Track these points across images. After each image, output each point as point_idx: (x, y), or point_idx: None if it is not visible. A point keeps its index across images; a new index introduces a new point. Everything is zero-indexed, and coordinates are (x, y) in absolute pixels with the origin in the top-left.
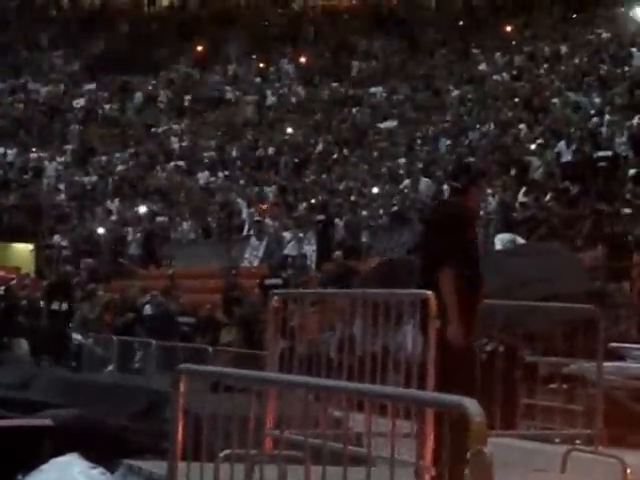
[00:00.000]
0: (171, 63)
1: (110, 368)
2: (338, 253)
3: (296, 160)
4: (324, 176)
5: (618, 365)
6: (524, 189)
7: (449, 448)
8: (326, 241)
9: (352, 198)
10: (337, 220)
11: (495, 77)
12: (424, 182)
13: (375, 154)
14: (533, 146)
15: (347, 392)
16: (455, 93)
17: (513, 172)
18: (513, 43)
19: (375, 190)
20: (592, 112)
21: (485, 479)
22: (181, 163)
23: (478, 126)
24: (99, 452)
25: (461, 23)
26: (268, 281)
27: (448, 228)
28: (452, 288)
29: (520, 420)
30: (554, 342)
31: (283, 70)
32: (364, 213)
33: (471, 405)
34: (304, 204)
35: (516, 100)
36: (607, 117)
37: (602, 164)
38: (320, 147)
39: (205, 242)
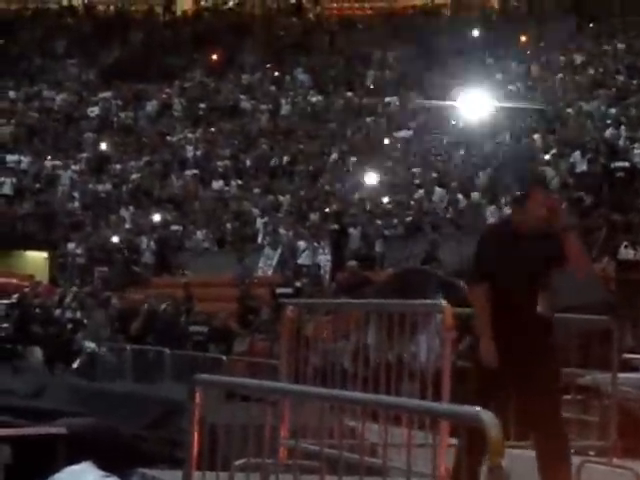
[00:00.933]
0: (186, 72)
1: None
2: (352, 263)
3: (310, 169)
4: (338, 185)
5: (633, 376)
6: None
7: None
8: (340, 251)
9: (366, 208)
10: (351, 230)
11: (510, 87)
12: (438, 192)
13: (389, 164)
14: (547, 156)
15: (362, 403)
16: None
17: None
18: (528, 53)
19: (386, 200)
20: (608, 122)
21: None
22: (195, 172)
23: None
24: (113, 461)
25: (476, 33)
26: (280, 290)
27: (477, 244)
28: (479, 303)
29: None
30: (569, 353)
31: (298, 79)
32: (378, 222)
33: (487, 417)
34: (318, 214)
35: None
36: (623, 128)
37: (619, 175)
38: (335, 156)
39: (219, 251)
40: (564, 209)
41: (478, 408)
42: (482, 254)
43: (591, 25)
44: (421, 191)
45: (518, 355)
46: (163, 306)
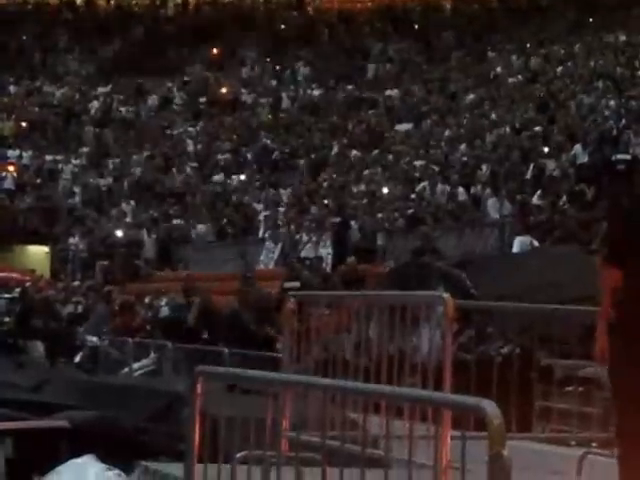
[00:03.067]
0: (186, 65)
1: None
2: (351, 259)
3: (312, 163)
4: (340, 179)
5: None
6: (539, 192)
7: None
8: (342, 244)
9: (367, 201)
10: (353, 223)
11: (511, 79)
12: (439, 185)
13: (390, 157)
14: (546, 148)
15: (364, 394)
16: (471, 95)
17: (529, 174)
18: (528, 45)
19: (386, 190)
20: (607, 114)
21: None
22: (196, 165)
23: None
24: (115, 454)
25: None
26: (287, 284)
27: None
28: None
29: (536, 423)
30: (570, 345)
31: (298, 73)
32: (379, 216)
33: (489, 407)
34: (320, 207)
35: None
36: (624, 120)
37: (620, 167)
38: (336, 149)
39: (220, 244)
40: None
41: (480, 399)
42: (613, 231)
43: (591, 19)
44: (422, 184)
45: None
46: (165, 299)
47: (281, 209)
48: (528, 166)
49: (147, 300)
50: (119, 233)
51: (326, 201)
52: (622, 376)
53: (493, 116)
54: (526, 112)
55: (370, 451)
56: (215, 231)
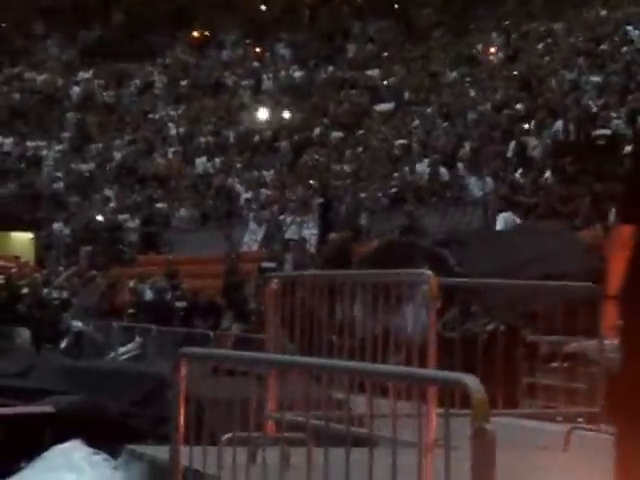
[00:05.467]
0: (167, 49)
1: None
2: (333, 235)
3: (294, 144)
4: (322, 159)
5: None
6: (521, 169)
7: None
8: (327, 224)
9: (349, 181)
10: (336, 203)
11: (491, 57)
12: (421, 164)
13: (372, 136)
14: (527, 126)
15: (348, 372)
16: (451, 74)
17: (510, 152)
18: (507, 23)
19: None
20: (588, 90)
21: (488, 456)
22: (179, 149)
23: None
24: (101, 438)
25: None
26: (265, 264)
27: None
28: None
29: (522, 399)
30: (555, 321)
31: (279, 54)
32: (362, 195)
33: (471, 382)
34: (303, 187)
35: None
36: (604, 96)
37: (600, 142)
38: (318, 130)
39: (204, 227)
40: None
41: (462, 374)
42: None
43: None
44: (405, 164)
45: None
46: (149, 283)
47: (264, 191)
48: (510, 143)
49: (131, 284)
50: (102, 218)
51: (311, 182)
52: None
53: (474, 94)
54: (507, 90)
55: (355, 430)
56: (198, 214)
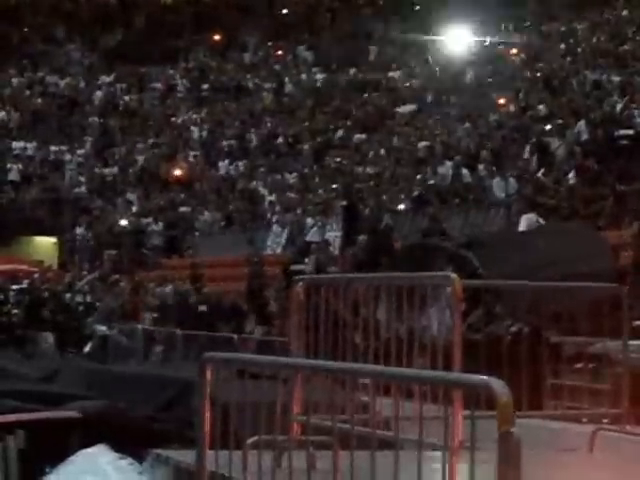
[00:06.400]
0: (188, 52)
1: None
2: (362, 237)
3: (317, 146)
4: (345, 162)
5: None
6: (544, 170)
7: None
8: (350, 227)
9: (372, 183)
10: (360, 206)
11: (513, 57)
12: (444, 165)
13: (395, 138)
14: (549, 126)
15: (373, 375)
16: (473, 75)
17: (533, 152)
18: (528, 23)
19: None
20: (610, 90)
21: (514, 460)
22: (201, 152)
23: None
24: (127, 443)
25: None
26: (293, 267)
27: None
28: None
29: (546, 400)
30: (579, 322)
31: (301, 57)
32: (385, 198)
33: (497, 385)
34: (326, 190)
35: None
36: (627, 96)
37: (623, 143)
38: (340, 133)
39: (227, 231)
40: None
41: (489, 377)
42: None
43: None
44: (428, 166)
45: None
46: (172, 287)
47: (287, 194)
48: (532, 144)
49: (154, 288)
50: (125, 222)
51: (334, 185)
52: None
53: (496, 95)
54: (529, 90)
55: (381, 433)
56: (222, 217)
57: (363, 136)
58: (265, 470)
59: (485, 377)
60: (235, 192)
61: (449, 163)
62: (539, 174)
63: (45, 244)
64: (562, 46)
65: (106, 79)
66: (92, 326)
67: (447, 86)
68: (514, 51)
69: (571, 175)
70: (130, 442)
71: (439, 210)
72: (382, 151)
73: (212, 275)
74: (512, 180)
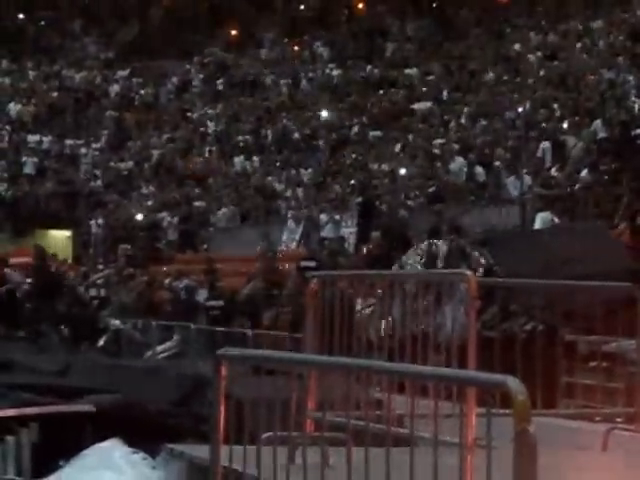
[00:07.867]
0: (205, 47)
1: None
2: (376, 234)
3: (332, 142)
4: (360, 158)
5: None
6: (557, 166)
7: None
8: (366, 223)
9: (388, 180)
10: (375, 202)
11: (529, 56)
12: (458, 162)
13: (410, 135)
14: (565, 125)
15: (388, 373)
16: (490, 73)
17: (549, 151)
18: (543, 23)
19: (403, 171)
20: (626, 89)
21: (530, 457)
22: (217, 147)
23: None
24: (141, 437)
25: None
26: (304, 263)
27: None
28: None
29: (560, 399)
30: (594, 320)
31: (317, 53)
32: (401, 194)
33: (513, 384)
34: (341, 186)
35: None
36: None
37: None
38: (356, 129)
39: (242, 226)
40: None
41: (505, 376)
42: None
43: None
44: (442, 162)
45: None
46: (186, 281)
47: (302, 189)
48: (548, 143)
49: (168, 282)
50: (140, 216)
51: (352, 181)
52: None
53: (512, 93)
54: (545, 89)
55: (395, 430)
56: (237, 213)
57: (379, 133)
58: (279, 466)
59: (502, 376)
60: (250, 187)
61: (464, 160)
62: (554, 172)
63: (60, 237)
64: (578, 45)
65: (122, 73)
66: (106, 320)
67: (463, 84)
68: (530, 49)
69: (586, 173)
70: (144, 436)
71: (454, 207)
72: (398, 148)
73: (227, 270)
74: (527, 178)
